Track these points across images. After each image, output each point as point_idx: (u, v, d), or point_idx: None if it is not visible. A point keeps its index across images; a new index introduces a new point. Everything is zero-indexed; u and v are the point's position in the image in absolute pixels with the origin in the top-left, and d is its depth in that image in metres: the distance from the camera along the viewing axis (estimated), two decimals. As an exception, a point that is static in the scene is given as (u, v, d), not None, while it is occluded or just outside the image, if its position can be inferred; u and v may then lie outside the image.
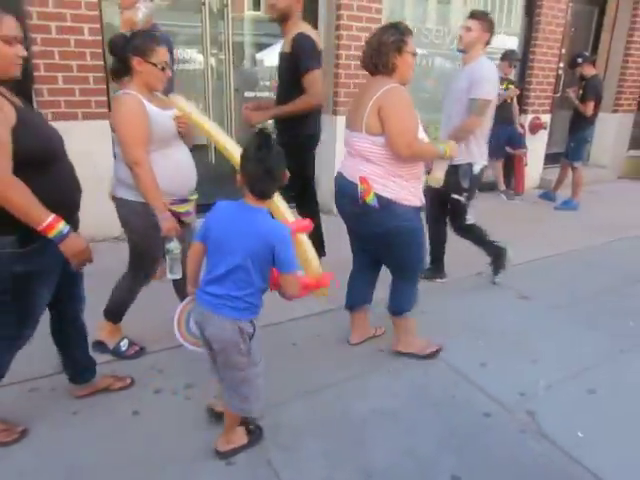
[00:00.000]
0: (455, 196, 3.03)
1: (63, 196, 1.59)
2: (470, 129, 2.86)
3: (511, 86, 5.35)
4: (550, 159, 6.40)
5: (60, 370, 2.07)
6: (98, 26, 3.46)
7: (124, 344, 2.41)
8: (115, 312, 2.37)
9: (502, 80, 5.26)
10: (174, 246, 2.09)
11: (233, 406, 1.73)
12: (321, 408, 2.10)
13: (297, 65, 2.74)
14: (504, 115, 5.08)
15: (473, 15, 2.97)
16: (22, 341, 1.73)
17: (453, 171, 2.81)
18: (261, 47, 7.89)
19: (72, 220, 1.63)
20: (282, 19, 2.80)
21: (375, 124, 2.06)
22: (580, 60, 5.27)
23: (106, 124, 3.58)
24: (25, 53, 1.52)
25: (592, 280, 3.57)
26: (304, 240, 2.01)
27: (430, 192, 2.64)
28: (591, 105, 5.16)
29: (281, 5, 2.74)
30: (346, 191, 2.21)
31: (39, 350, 2.01)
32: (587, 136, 5.42)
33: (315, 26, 4.40)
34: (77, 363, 2.04)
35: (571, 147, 5.45)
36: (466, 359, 2.48)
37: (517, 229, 4.44)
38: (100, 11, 3.49)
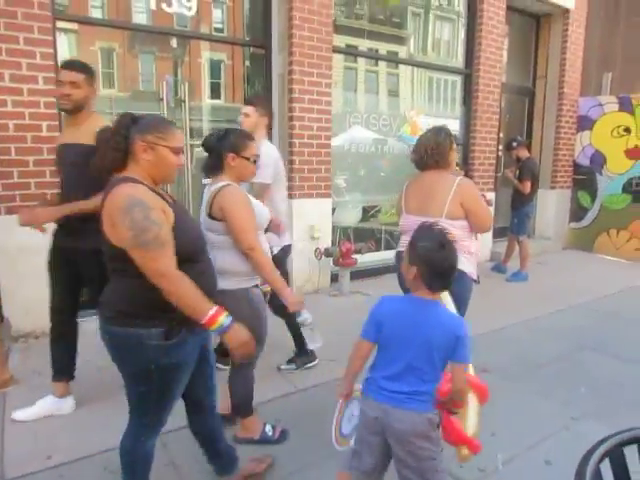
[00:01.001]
0: None
1: (208, 287, 1.62)
2: None
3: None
4: (498, 233, 6.77)
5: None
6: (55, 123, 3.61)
7: (269, 429, 2.41)
8: (245, 406, 2.35)
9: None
10: (306, 316, 2.14)
11: None
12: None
13: None
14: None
15: (248, 101, 3.18)
16: (161, 427, 1.75)
17: None
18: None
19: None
20: (77, 109, 2.49)
21: (457, 210, 2.43)
22: (515, 144, 5.80)
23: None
24: (183, 162, 1.67)
25: (545, 348, 3.68)
26: (473, 399, 1.87)
27: None
28: (528, 184, 5.62)
29: (78, 96, 2.45)
30: None
31: None
32: (528, 212, 5.83)
33: (270, 115, 4.70)
34: (222, 456, 2.00)
35: (514, 222, 5.83)
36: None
37: (473, 301, 4.57)
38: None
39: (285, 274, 3.06)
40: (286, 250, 3.12)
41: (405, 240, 2.56)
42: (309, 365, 3.26)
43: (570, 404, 2.82)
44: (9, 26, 3.39)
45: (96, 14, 4.31)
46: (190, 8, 4.92)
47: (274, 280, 2.12)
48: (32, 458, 2.25)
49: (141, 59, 8.31)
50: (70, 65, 2.50)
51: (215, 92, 7.81)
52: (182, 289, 1.49)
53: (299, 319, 2.14)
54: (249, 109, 3.06)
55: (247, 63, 6.13)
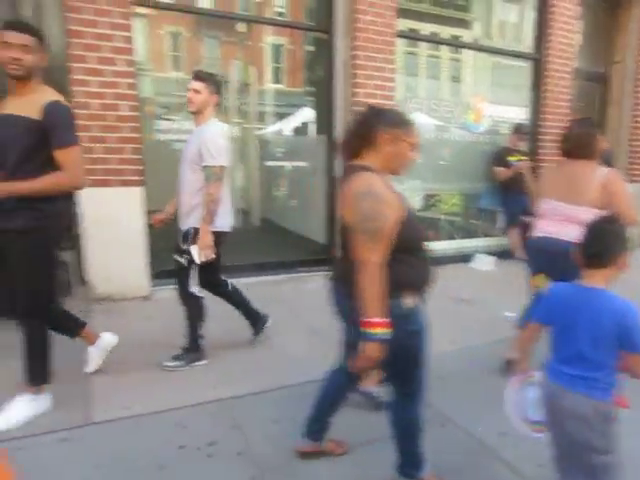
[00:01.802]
0: (176, 256, 2.92)
1: (426, 277, 1.74)
2: (214, 198, 2.77)
3: (523, 158, 5.56)
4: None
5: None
6: (137, 104, 3.83)
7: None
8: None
9: (513, 152, 5.51)
10: None
11: None
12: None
13: (47, 136, 2.21)
14: (517, 185, 5.25)
15: (197, 76, 2.85)
16: (421, 394, 1.86)
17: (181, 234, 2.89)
18: (281, 117, 8.40)
19: (422, 297, 1.75)
20: (26, 77, 2.23)
21: (603, 200, 2.51)
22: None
23: (135, 191, 3.88)
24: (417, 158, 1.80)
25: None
26: None
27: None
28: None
29: (29, 62, 2.20)
30: (560, 248, 2.40)
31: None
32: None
33: (331, 100, 4.65)
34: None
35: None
36: (486, 427, 2.39)
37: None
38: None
39: None
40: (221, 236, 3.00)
41: (543, 224, 2.72)
42: None
43: None
44: (95, 12, 3.60)
45: (168, -1, 4.47)
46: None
47: None
48: (114, 407, 2.46)
49: (206, 43, 8.57)
50: (19, 26, 2.22)
51: (277, 76, 7.91)
52: (371, 283, 1.57)
53: None
54: (199, 85, 2.81)
55: (309, 48, 6.16)
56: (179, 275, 2.93)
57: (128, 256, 3.93)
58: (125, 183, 3.85)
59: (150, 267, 4.09)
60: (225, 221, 2.92)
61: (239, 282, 3.32)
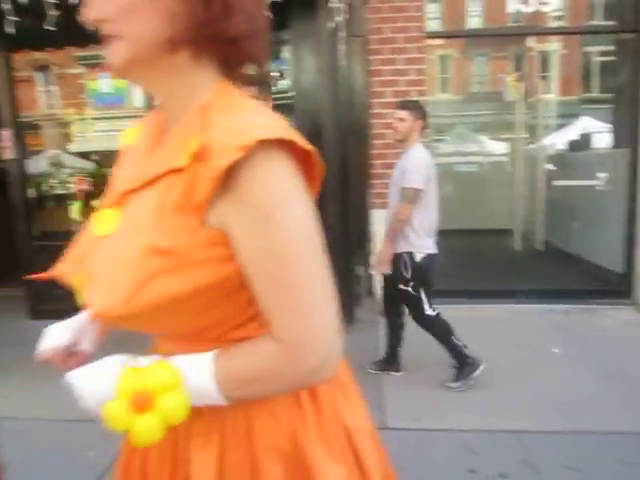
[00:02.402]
0: (401, 286, 2.93)
1: None
2: (401, 218, 2.89)
3: None
4: None
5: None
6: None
7: None
8: None
9: None
10: None
11: None
12: None
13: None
14: None
15: (401, 105, 2.99)
16: None
17: (395, 260, 2.94)
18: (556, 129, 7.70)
19: None
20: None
21: None
22: None
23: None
24: None
25: None
26: None
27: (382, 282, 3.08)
28: None
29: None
30: None
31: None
32: None
33: (637, 108, 4.07)
34: None
35: None
36: None
37: None
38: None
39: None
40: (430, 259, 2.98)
41: None
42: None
43: None
44: (392, 51, 4.00)
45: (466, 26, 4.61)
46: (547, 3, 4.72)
47: None
48: (406, 417, 2.63)
49: (475, 62, 8.55)
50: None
51: (550, 86, 7.30)
52: None
53: None
54: (403, 113, 2.94)
55: (604, 51, 5.50)
56: (409, 303, 2.99)
57: (409, 273, 4.18)
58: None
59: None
60: (423, 244, 2.93)
61: (516, 308, 3.16)
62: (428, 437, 2.46)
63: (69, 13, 3.12)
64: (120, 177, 0.77)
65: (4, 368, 3.44)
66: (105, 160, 5.57)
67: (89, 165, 5.50)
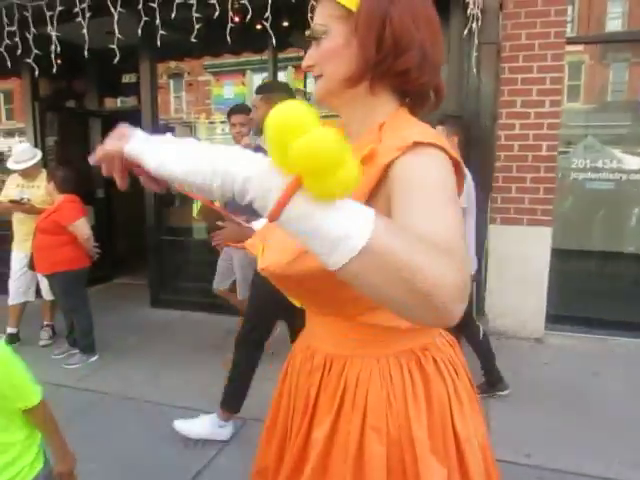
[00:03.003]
0: None
1: None
2: None
3: None
4: None
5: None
6: (556, 143, 3.77)
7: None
8: None
9: None
10: None
11: None
12: None
13: None
14: None
15: (439, 121, 2.87)
16: None
17: None
18: None
19: None
20: None
21: None
22: None
23: (545, 230, 3.82)
24: None
25: None
26: None
27: None
28: None
29: None
30: None
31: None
32: None
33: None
34: None
35: None
36: None
37: None
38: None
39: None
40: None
41: None
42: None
43: None
44: (526, 58, 3.75)
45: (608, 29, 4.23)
46: None
47: None
48: (510, 450, 2.42)
49: (612, 68, 7.76)
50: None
51: None
52: None
53: None
54: (439, 128, 2.84)
55: None
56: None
57: (528, 295, 3.90)
58: (535, 222, 3.84)
59: (547, 309, 3.95)
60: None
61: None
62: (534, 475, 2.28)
63: (209, 26, 3.35)
64: None
65: (123, 352, 3.78)
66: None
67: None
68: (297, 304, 0.96)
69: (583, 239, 4.30)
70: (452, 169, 0.73)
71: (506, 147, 3.84)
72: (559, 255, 3.91)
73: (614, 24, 6.10)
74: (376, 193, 0.74)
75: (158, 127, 4.76)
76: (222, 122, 5.98)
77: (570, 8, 4.06)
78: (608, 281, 5.07)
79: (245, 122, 3.10)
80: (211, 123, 5.90)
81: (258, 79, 5.63)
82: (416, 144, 0.71)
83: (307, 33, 0.85)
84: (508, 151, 3.83)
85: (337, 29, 0.80)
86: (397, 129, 0.78)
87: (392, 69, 0.79)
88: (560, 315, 4.01)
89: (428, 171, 0.70)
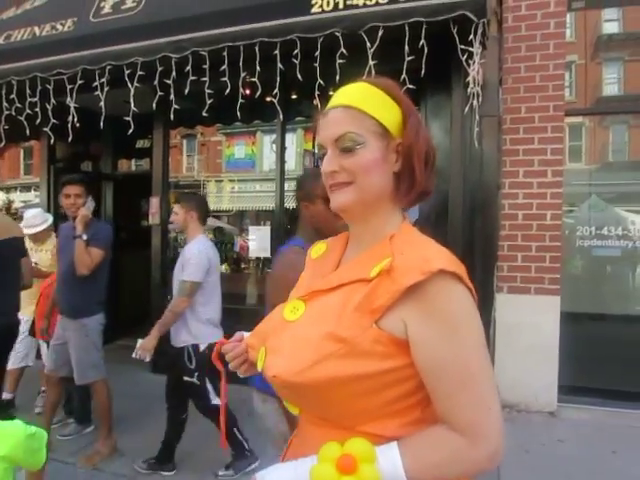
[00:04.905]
0: (187, 379, 2.91)
1: None
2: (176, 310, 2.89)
3: None
4: None
5: None
6: (560, 212, 3.79)
7: None
8: None
9: None
10: None
11: None
12: None
13: None
14: None
15: (177, 200, 3.12)
16: None
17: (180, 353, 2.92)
18: None
19: None
20: None
21: None
22: None
23: (554, 300, 3.76)
24: None
25: None
26: None
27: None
28: None
29: None
30: None
31: None
32: None
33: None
34: None
35: None
36: None
37: None
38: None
39: None
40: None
41: None
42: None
43: None
44: (527, 130, 3.85)
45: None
46: None
47: None
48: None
49: (613, 129, 7.93)
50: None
51: None
52: None
53: None
54: (176, 207, 3.03)
55: None
56: (193, 393, 2.97)
57: (538, 367, 3.78)
58: (542, 291, 3.79)
59: (559, 380, 3.81)
60: (208, 334, 2.90)
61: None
62: None
63: (220, 99, 3.50)
64: (307, 279, 1.01)
65: (120, 422, 3.62)
66: (235, 219, 6.02)
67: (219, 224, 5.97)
68: (294, 411, 0.93)
69: (595, 301, 4.23)
70: (470, 294, 0.81)
71: (510, 216, 3.87)
72: (570, 320, 3.83)
73: (611, 89, 6.23)
74: (393, 308, 0.79)
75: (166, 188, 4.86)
76: (231, 180, 6.16)
77: (567, 74, 4.21)
78: (624, 348, 4.89)
79: (80, 193, 3.07)
80: (221, 181, 6.10)
81: (268, 140, 5.84)
82: (441, 272, 0.76)
83: (335, 138, 0.87)
84: (512, 220, 3.86)
85: (375, 144, 0.87)
86: (411, 244, 0.85)
87: (425, 190, 0.90)
88: (574, 386, 3.86)
89: (465, 318, 0.79)
